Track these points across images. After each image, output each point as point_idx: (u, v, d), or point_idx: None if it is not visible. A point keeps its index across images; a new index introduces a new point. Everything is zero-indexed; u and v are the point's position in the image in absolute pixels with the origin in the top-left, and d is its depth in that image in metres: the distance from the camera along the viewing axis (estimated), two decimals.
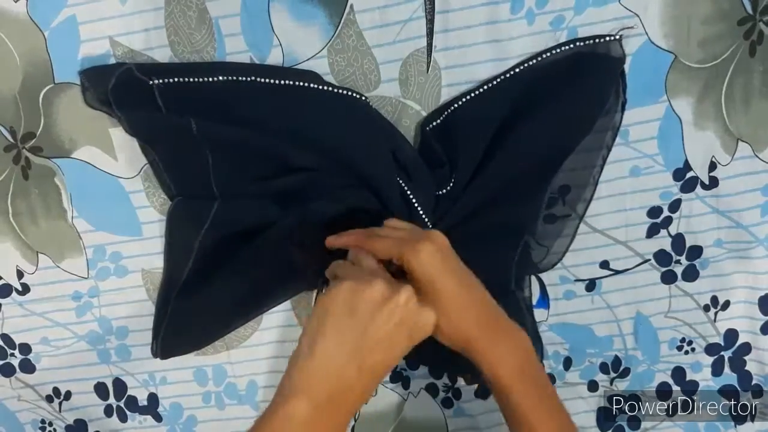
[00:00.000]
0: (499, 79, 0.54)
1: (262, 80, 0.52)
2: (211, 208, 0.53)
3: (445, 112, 0.55)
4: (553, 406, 0.48)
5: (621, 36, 0.53)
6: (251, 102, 0.52)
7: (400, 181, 0.53)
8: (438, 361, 0.60)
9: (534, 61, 0.53)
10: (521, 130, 0.52)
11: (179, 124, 0.51)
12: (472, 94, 0.54)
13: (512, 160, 0.53)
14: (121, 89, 0.51)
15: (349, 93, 0.53)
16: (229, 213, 0.54)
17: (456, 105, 0.54)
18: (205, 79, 0.51)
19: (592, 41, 0.52)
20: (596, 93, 0.53)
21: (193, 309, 0.56)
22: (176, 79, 0.51)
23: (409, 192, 0.53)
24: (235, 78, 0.51)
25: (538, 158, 0.53)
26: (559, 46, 0.53)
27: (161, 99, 0.51)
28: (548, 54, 0.53)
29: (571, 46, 0.53)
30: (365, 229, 0.51)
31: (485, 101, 0.53)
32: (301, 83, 0.52)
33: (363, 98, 0.53)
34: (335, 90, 0.53)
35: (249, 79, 0.52)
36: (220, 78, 0.51)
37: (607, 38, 0.52)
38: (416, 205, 0.54)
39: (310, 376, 0.43)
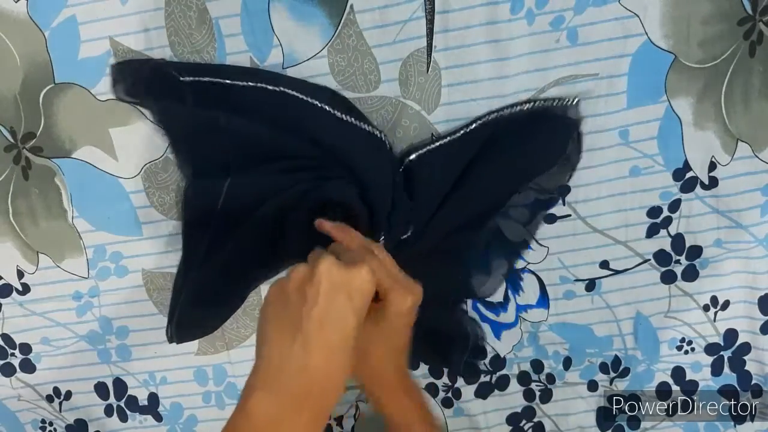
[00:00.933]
0: (462, 132, 0.55)
1: (290, 92, 0.53)
2: (224, 185, 0.54)
3: (412, 156, 0.56)
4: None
5: (578, 101, 0.55)
6: (277, 110, 0.53)
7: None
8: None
9: (496, 114, 0.55)
10: (476, 181, 0.55)
11: (208, 117, 0.52)
12: (438, 144, 0.55)
13: (465, 206, 0.56)
14: (153, 81, 0.53)
15: (371, 130, 0.54)
16: (242, 187, 0.54)
17: (423, 150, 0.55)
18: (234, 82, 0.53)
19: (551, 103, 0.55)
20: (548, 152, 0.56)
21: (208, 283, 0.56)
22: (205, 78, 0.52)
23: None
24: (262, 86, 0.53)
25: (488, 203, 0.57)
26: (521, 103, 0.55)
27: (191, 95, 0.53)
28: (510, 109, 0.55)
29: (532, 104, 0.55)
30: (362, 240, 0.51)
31: (449, 151, 0.56)
32: (327, 107, 0.53)
33: (382, 136, 0.55)
34: (359, 125, 0.54)
35: (277, 89, 0.53)
36: (249, 83, 0.53)
37: (566, 102, 0.55)
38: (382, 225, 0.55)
39: (264, 366, 0.43)
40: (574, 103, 0.55)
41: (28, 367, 0.65)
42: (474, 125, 0.55)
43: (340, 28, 0.53)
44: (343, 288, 0.43)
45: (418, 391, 0.55)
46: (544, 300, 0.63)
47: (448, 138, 0.56)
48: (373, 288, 0.45)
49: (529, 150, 0.56)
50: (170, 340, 0.58)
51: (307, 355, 0.42)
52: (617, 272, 0.62)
